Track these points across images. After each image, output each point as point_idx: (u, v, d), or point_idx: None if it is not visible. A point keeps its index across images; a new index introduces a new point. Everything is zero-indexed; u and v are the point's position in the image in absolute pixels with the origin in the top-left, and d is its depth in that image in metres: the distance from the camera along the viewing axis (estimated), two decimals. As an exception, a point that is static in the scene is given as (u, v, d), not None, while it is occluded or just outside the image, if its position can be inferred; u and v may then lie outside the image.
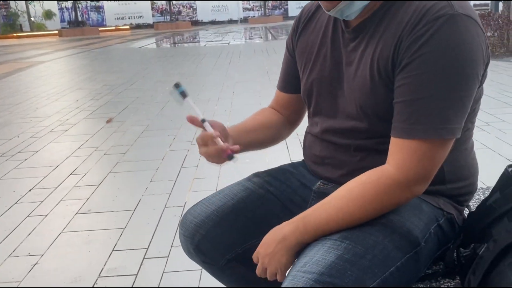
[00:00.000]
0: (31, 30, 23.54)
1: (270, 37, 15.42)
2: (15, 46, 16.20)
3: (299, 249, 0.95)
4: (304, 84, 1.12)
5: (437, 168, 0.89)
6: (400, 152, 0.88)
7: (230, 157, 1.02)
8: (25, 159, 3.62)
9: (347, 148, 1.04)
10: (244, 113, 1.25)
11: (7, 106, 5.69)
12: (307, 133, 1.21)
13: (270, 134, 1.24)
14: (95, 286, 1.92)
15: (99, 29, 22.76)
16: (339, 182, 1.07)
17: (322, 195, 1.11)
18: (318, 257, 0.86)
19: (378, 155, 1.00)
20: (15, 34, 21.99)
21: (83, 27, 21.89)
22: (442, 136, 0.86)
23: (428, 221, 0.98)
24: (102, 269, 2.05)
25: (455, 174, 1.03)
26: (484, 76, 0.92)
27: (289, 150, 3.40)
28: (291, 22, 1.23)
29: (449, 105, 0.85)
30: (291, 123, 1.29)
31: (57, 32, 21.58)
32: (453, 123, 0.86)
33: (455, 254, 1.04)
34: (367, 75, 0.94)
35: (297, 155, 3.27)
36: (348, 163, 1.05)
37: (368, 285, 0.84)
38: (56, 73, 8.52)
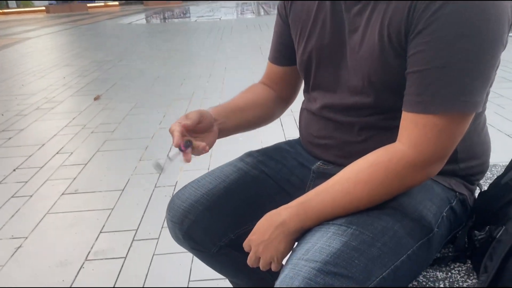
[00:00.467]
0: (18, 6, 22.96)
1: (262, 12, 15.14)
2: (1, 22, 15.78)
3: (298, 236, 0.86)
4: (301, 55, 1.00)
5: (455, 146, 0.79)
6: (414, 129, 0.78)
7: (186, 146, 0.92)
8: (10, 138, 3.49)
9: (349, 127, 0.94)
10: (236, 89, 1.14)
11: (-9, 83, 5.51)
12: (303, 109, 1.09)
13: (261, 113, 1.13)
14: (81, 270, 1.83)
15: (88, 5, 22.25)
16: (340, 164, 0.98)
17: (323, 175, 1.02)
18: (322, 243, 0.77)
19: (384, 134, 0.90)
20: (0, 11, 21.43)
21: (71, 3, 21.40)
22: (463, 110, 0.76)
23: (441, 204, 0.89)
24: (89, 251, 1.96)
25: (468, 152, 0.94)
26: (506, 40, 0.82)
27: (284, 128, 3.30)
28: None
29: (471, 75, 0.74)
30: (284, 100, 1.18)
31: (44, 8, 21.07)
32: (475, 95, 0.76)
33: (466, 237, 0.97)
34: (376, 43, 0.83)
35: (293, 133, 3.18)
36: (350, 143, 0.95)
37: (377, 275, 0.75)
38: (43, 50, 8.29)
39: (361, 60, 0.86)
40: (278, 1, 1.10)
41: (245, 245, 0.91)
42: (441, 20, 0.73)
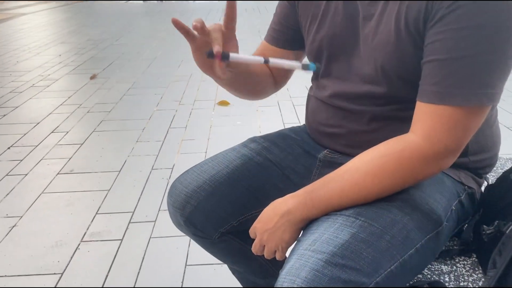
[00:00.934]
0: (12, -20, 22.53)
1: (261, -5, 14.96)
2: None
3: (304, 226, 0.85)
4: (311, 43, 0.97)
5: (469, 139, 0.77)
6: (429, 120, 0.76)
7: (225, 56, 0.77)
8: (4, 115, 3.44)
9: (359, 116, 0.92)
10: None
11: (-15, 59, 5.42)
12: (310, 96, 1.06)
13: (259, 82, 1.06)
14: (77, 251, 1.82)
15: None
16: (347, 154, 0.96)
17: (329, 164, 1.00)
18: (329, 234, 0.75)
19: (395, 124, 0.88)
20: (-5, -16, 21.03)
21: (66, -22, 21.00)
22: (482, 103, 0.74)
23: (450, 197, 0.88)
24: (85, 233, 1.94)
25: (479, 145, 0.92)
26: None
27: (282, 113, 3.27)
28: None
29: (492, 67, 0.72)
30: (276, 82, 1.12)
31: (39, -17, 20.68)
32: (495, 87, 0.74)
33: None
34: (392, 31, 0.80)
35: (291, 118, 3.15)
36: (358, 133, 0.93)
37: (385, 268, 0.74)
38: (38, 26, 8.15)
39: (375, 48, 0.84)
40: None
41: (251, 232, 0.90)
42: (462, 9, 0.71)
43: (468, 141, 0.78)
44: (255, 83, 1.04)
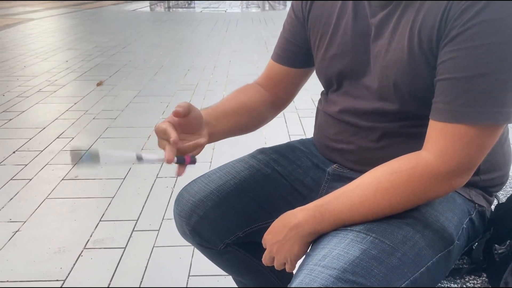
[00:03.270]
0: (21, -14, 22.74)
1: (267, 6, 15.06)
2: (3, 1, 15.63)
3: (313, 239, 0.84)
4: (321, 61, 0.97)
5: (483, 158, 0.77)
6: (442, 138, 0.75)
7: (192, 161, 0.89)
8: (10, 119, 3.45)
9: (369, 132, 0.91)
10: (240, 83, 1.08)
11: (-7, 63, 5.45)
12: (319, 110, 1.06)
13: (253, 118, 1.07)
14: (80, 258, 1.81)
15: (92, -11, 22.06)
16: (356, 170, 0.95)
17: (339, 178, 0.99)
18: (340, 250, 0.75)
19: (405, 141, 0.87)
20: (4, -11, 21.22)
21: (75, -15, 21.19)
22: (496, 121, 0.73)
23: (462, 215, 0.87)
24: (88, 240, 1.93)
25: (491, 164, 0.92)
26: None
27: (287, 124, 3.27)
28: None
29: (506, 85, 0.72)
30: (277, 105, 1.12)
31: (48, -11, 20.87)
32: (508, 106, 0.73)
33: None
34: (405, 48, 0.80)
35: (296, 130, 3.15)
36: (367, 150, 0.92)
37: (396, 286, 0.73)
38: (46, 32, 8.21)
39: (387, 65, 0.83)
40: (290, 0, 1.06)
41: (263, 242, 0.90)
42: (475, 28, 0.71)
43: (481, 160, 0.77)
44: (248, 124, 1.07)
